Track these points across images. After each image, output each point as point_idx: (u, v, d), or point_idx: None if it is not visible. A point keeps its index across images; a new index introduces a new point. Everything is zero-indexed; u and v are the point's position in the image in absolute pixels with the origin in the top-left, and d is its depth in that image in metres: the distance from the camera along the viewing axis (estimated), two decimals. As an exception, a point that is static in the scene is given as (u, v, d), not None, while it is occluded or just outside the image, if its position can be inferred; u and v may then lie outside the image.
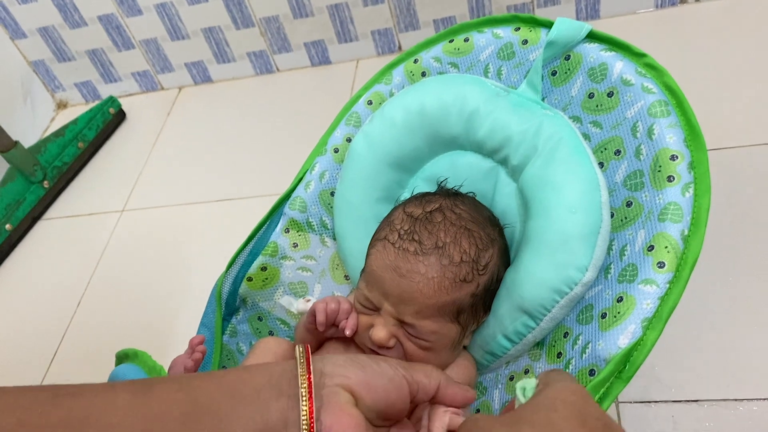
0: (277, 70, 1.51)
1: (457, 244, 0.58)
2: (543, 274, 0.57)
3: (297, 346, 0.43)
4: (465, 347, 0.65)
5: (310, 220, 0.78)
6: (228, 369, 0.43)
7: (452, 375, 0.61)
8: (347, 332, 0.60)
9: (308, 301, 0.69)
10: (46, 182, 1.37)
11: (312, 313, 0.62)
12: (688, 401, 0.76)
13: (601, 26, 1.28)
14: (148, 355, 0.54)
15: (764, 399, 0.74)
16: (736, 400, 0.74)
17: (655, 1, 1.27)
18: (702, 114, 1.02)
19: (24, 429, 0.36)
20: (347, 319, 0.61)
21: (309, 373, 0.41)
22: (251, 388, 0.40)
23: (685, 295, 0.57)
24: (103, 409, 0.37)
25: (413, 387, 0.45)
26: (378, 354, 0.60)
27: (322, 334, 0.65)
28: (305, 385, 0.40)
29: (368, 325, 0.60)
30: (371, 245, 0.62)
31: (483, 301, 0.60)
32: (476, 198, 0.66)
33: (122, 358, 0.56)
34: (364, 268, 0.63)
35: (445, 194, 0.64)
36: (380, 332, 0.58)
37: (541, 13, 1.30)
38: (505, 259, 0.63)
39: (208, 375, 0.42)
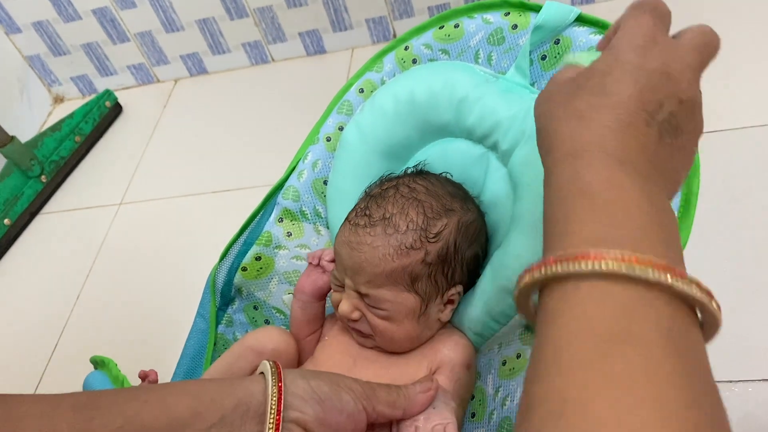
0: (272, 60, 1.51)
1: (403, 213, 0.60)
2: (529, 255, 0.57)
3: (270, 377, 0.46)
4: (451, 323, 0.66)
5: (304, 209, 0.78)
6: (181, 391, 0.45)
7: (450, 354, 0.62)
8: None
9: None
10: (43, 177, 1.37)
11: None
12: (684, 383, 0.76)
13: (597, 11, 1.28)
14: (114, 364, 0.58)
15: (759, 380, 0.74)
16: (730, 381, 0.75)
17: (650, -16, 1.26)
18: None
19: None
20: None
21: (279, 413, 0.44)
22: (202, 425, 0.43)
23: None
24: None
25: (372, 417, 0.48)
26: (352, 328, 0.63)
27: (308, 302, 0.69)
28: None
29: (338, 301, 0.63)
30: None
31: (443, 271, 0.61)
32: (450, 177, 0.67)
33: (95, 363, 0.58)
34: None
35: (410, 174, 0.66)
36: (343, 306, 0.61)
37: (535, -2, 1.30)
38: (471, 231, 0.63)
39: (157, 405, 0.43)
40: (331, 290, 0.66)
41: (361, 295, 0.61)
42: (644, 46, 0.39)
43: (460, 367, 0.61)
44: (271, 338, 0.68)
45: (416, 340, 0.63)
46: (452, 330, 0.65)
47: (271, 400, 0.44)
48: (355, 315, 0.61)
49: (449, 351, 0.62)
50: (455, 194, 0.64)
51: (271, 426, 0.43)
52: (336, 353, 0.66)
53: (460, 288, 0.63)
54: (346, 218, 0.63)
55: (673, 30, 0.44)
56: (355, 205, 0.65)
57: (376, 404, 0.49)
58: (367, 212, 0.61)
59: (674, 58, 0.39)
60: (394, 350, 0.63)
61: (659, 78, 0.38)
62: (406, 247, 0.58)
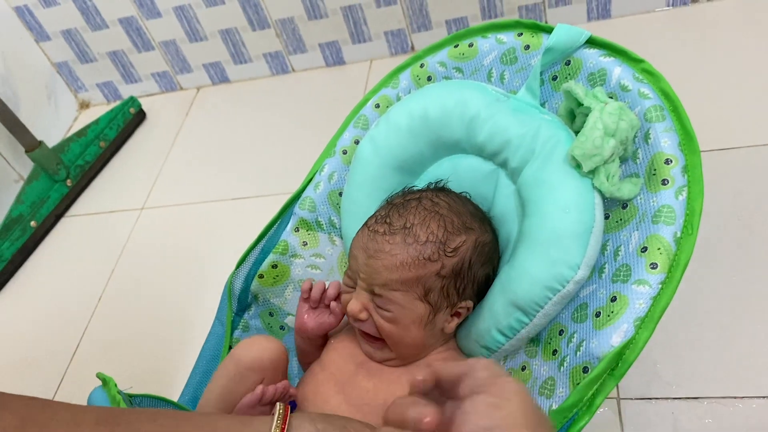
0: (293, 70, 1.54)
1: (424, 225, 0.61)
2: (536, 272, 0.59)
3: (278, 409, 0.47)
4: (456, 340, 0.68)
5: (319, 219, 0.80)
6: (193, 424, 0.46)
7: None
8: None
9: None
10: (69, 181, 1.41)
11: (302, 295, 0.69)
12: (689, 398, 0.77)
13: (612, 26, 1.29)
14: (114, 384, 0.58)
15: (764, 397, 0.75)
16: (735, 397, 0.75)
17: (666, 1, 1.27)
18: (713, 113, 1.04)
19: None
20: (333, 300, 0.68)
21: None
22: None
23: (686, 293, 0.58)
24: None
25: None
26: (361, 333, 0.64)
27: (315, 338, 0.70)
28: None
29: (348, 301, 0.64)
30: None
31: (455, 285, 0.62)
32: (468, 196, 0.69)
33: (101, 380, 0.60)
34: None
35: (433, 188, 0.68)
36: (353, 304, 0.63)
37: (552, 14, 1.31)
38: (486, 251, 0.65)
39: None
40: (341, 293, 0.67)
41: (373, 295, 0.62)
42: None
43: None
44: (266, 351, 0.66)
45: (422, 347, 0.65)
46: (455, 355, 0.67)
47: (275, 425, 0.46)
48: (363, 315, 0.63)
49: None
50: (475, 214, 0.66)
51: None
52: (339, 358, 0.67)
53: (470, 303, 0.65)
54: (365, 223, 0.65)
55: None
56: (375, 212, 0.66)
57: None
58: (388, 220, 0.63)
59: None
60: (402, 356, 0.65)
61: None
62: (424, 258, 0.60)
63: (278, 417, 0.48)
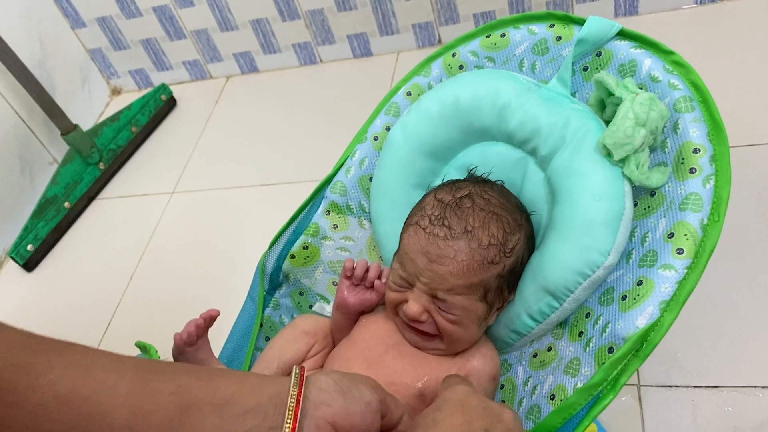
0: (321, 61, 1.56)
1: (485, 228, 0.62)
2: (567, 258, 0.61)
3: (294, 370, 0.48)
4: (489, 326, 0.69)
5: (350, 203, 0.82)
6: (227, 375, 0.49)
7: (478, 366, 0.65)
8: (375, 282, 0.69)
9: None
10: (101, 164, 1.45)
11: (345, 273, 0.70)
12: (709, 387, 0.78)
13: (639, 23, 1.30)
14: (155, 350, 0.63)
15: (784, 388, 0.76)
16: (755, 387, 0.77)
17: (695, -2, 1.28)
18: (739, 109, 1.05)
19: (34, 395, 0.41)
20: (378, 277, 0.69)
21: (297, 405, 0.46)
22: (240, 408, 0.45)
23: (709, 283, 0.59)
24: (103, 393, 0.43)
25: (384, 410, 0.51)
26: (412, 328, 0.65)
27: (354, 314, 0.71)
28: (290, 422, 0.45)
29: (401, 300, 0.64)
30: (404, 230, 0.67)
31: (508, 282, 0.64)
32: (505, 186, 0.70)
33: (140, 348, 0.64)
34: (397, 250, 0.67)
35: (475, 181, 0.68)
36: (413, 307, 0.62)
37: (579, 9, 1.32)
38: (531, 244, 0.66)
39: (206, 382, 0.46)
40: (387, 290, 0.67)
41: (435, 299, 0.62)
42: (466, 391, 0.52)
43: (486, 378, 0.65)
44: (318, 322, 0.73)
45: (473, 341, 0.66)
46: (482, 340, 0.68)
47: (294, 377, 0.47)
48: (424, 317, 0.63)
49: (478, 362, 0.66)
50: (521, 208, 0.67)
51: (292, 402, 0.45)
52: (370, 337, 0.68)
53: (513, 296, 0.66)
54: (416, 223, 0.64)
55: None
56: (423, 210, 0.65)
57: (386, 395, 0.52)
58: (446, 222, 0.62)
59: (491, 402, 0.51)
60: (454, 349, 0.66)
61: (482, 411, 0.49)
62: (488, 262, 0.61)
63: (296, 375, 0.49)
